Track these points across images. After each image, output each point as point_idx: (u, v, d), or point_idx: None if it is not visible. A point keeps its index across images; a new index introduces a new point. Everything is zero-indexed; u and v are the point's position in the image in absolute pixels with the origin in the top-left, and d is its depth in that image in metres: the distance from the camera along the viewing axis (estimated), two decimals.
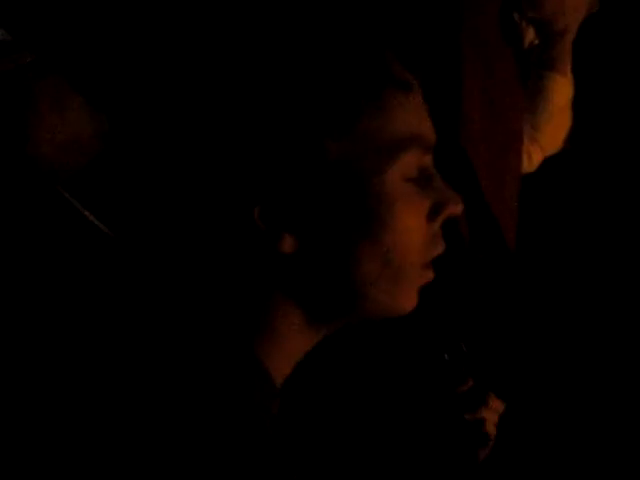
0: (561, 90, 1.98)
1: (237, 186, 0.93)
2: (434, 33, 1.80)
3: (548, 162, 2.04)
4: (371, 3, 1.68)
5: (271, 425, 0.92)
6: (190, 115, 0.95)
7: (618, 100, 2.14)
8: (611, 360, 2.11)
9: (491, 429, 1.42)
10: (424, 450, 1.43)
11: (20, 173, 1.51)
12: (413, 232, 0.95)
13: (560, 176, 2.14)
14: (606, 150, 2.16)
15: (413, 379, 1.49)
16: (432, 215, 0.97)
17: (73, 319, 1.46)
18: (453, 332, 1.47)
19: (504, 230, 1.89)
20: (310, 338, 0.98)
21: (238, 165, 0.92)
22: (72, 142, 1.53)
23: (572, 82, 1.98)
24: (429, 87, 1.01)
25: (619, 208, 2.17)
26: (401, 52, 0.98)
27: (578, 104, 2.01)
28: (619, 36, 2.13)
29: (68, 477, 0.90)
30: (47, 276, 1.50)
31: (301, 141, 0.92)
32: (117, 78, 1.53)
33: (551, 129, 2.01)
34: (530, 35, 2.01)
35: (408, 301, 0.98)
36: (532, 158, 2.01)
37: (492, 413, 1.42)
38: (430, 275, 0.99)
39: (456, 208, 0.98)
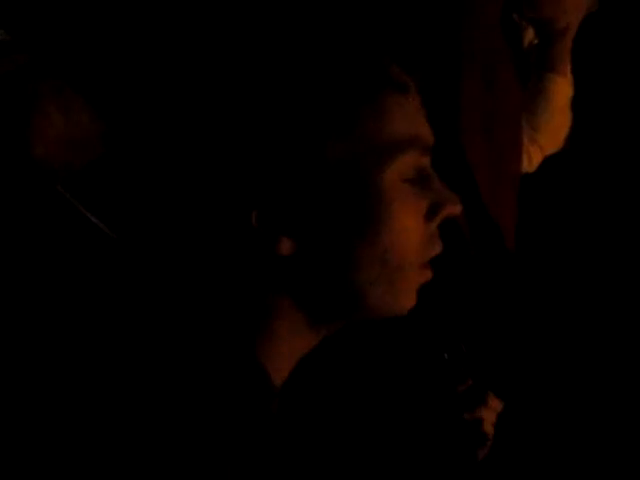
0: (561, 90, 1.98)
1: (235, 189, 0.93)
2: (434, 33, 1.80)
3: (548, 162, 2.04)
4: (370, 4, 1.68)
5: (270, 425, 0.93)
6: (190, 118, 0.95)
7: (618, 100, 2.14)
8: (611, 360, 2.11)
9: (490, 428, 1.42)
10: (423, 449, 1.43)
11: (20, 173, 1.51)
12: (411, 232, 0.96)
13: (560, 176, 2.14)
14: (606, 150, 2.16)
15: (413, 379, 1.49)
16: (430, 215, 0.97)
17: (73, 319, 1.46)
18: (453, 332, 1.47)
19: (504, 230, 1.89)
20: (310, 339, 0.99)
21: (236, 168, 0.93)
22: (74, 142, 1.53)
23: (571, 82, 1.99)
24: (428, 87, 1.01)
25: (619, 208, 2.17)
26: (400, 53, 0.98)
27: (578, 104, 2.01)
28: (619, 36, 2.13)
29: (68, 477, 0.91)
30: (47, 276, 1.50)
31: (299, 143, 0.92)
32: (117, 79, 1.54)
33: (551, 129, 2.01)
34: (530, 35, 2.01)
35: (407, 300, 0.98)
36: (532, 158, 2.01)
37: (491, 412, 1.43)
38: (428, 275, 0.99)
39: (454, 208, 0.98)
